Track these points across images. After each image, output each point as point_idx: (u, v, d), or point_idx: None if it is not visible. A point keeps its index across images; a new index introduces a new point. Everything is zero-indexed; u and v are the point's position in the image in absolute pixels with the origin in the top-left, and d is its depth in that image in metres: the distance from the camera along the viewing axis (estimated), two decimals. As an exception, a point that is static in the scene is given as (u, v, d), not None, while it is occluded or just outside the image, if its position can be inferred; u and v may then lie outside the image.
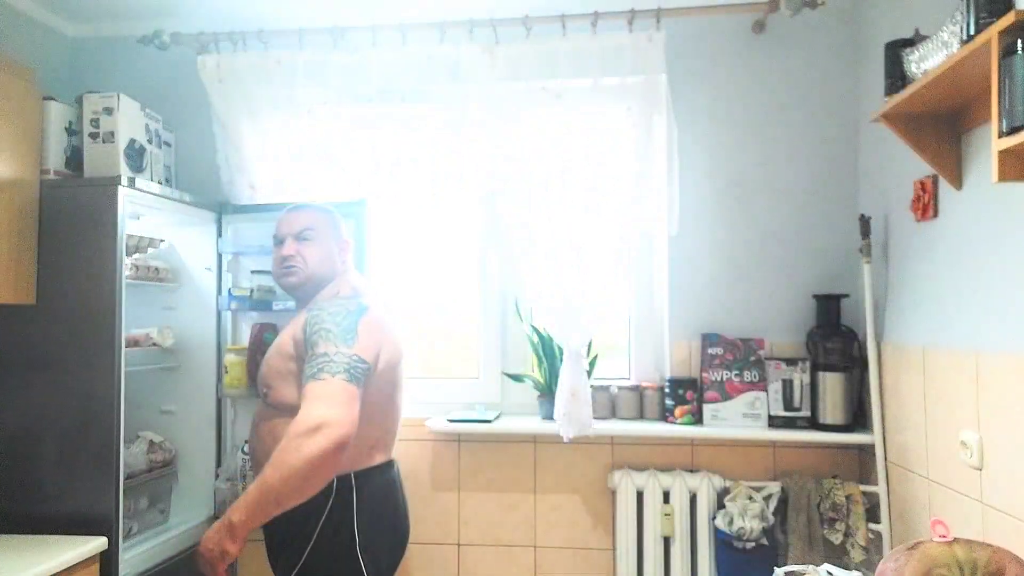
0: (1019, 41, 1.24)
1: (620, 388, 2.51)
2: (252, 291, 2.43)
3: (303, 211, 1.97)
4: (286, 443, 1.55)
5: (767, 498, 2.29)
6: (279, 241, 1.94)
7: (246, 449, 2.28)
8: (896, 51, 1.77)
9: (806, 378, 2.33)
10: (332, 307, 1.73)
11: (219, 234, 2.50)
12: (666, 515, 2.34)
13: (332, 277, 1.92)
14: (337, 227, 1.98)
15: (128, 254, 2.20)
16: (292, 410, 1.64)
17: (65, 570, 1.79)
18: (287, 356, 1.75)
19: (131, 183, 2.10)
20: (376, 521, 1.76)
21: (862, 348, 2.28)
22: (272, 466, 1.55)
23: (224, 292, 2.47)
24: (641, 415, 2.48)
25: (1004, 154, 1.31)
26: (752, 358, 2.38)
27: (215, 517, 2.37)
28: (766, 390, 2.36)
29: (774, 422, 2.35)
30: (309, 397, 1.58)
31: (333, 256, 1.94)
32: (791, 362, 2.35)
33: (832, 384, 2.29)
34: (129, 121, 2.23)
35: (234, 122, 2.51)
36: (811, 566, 1.60)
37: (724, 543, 2.25)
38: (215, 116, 2.53)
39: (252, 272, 2.50)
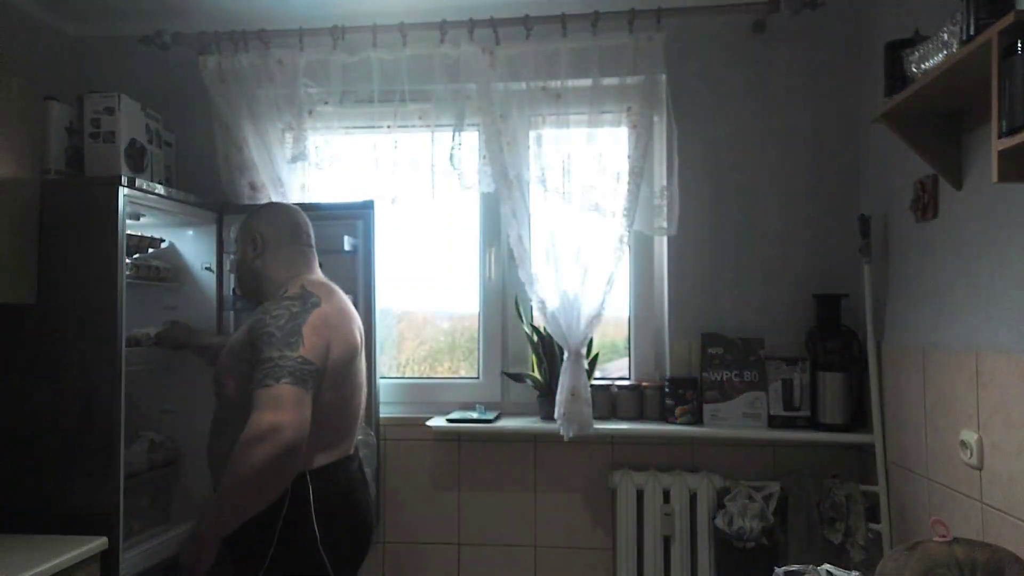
0: (1019, 41, 1.24)
1: (620, 388, 2.51)
2: None
3: (241, 222, 1.97)
4: (238, 452, 1.55)
5: (767, 498, 2.29)
6: None
7: None
8: (896, 51, 1.77)
9: (806, 378, 2.34)
10: (275, 310, 1.69)
11: (219, 234, 2.50)
12: (666, 515, 2.34)
13: (254, 280, 1.89)
14: (247, 228, 1.92)
15: (128, 254, 2.20)
16: (236, 408, 1.66)
17: (66, 570, 1.79)
18: (233, 355, 1.75)
19: (131, 183, 2.09)
20: (335, 517, 1.74)
21: (862, 348, 2.28)
22: (229, 475, 1.56)
23: (229, 293, 2.46)
24: (641, 415, 2.48)
25: (1004, 154, 1.31)
26: (752, 358, 2.38)
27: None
28: (766, 390, 2.36)
29: (774, 422, 2.35)
30: (257, 405, 1.56)
31: (246, 260, 1.90)
32: (791, 362, 2.35)
33: (832, 384, 2.29)
34: (130, 121, 2.23)
35: (235, 122, 2.51)
36: (811, 566, 1.61)
37: (724, 543, 2.25)
38: (216, 116, 2.53)
39: None
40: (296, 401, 1.57)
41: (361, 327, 1.89)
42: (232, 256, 1.93)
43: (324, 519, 1.71)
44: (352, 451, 1.87)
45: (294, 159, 2.50)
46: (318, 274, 1.91)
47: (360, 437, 1.97)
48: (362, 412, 1.93)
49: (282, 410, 1.55)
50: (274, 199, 2.48)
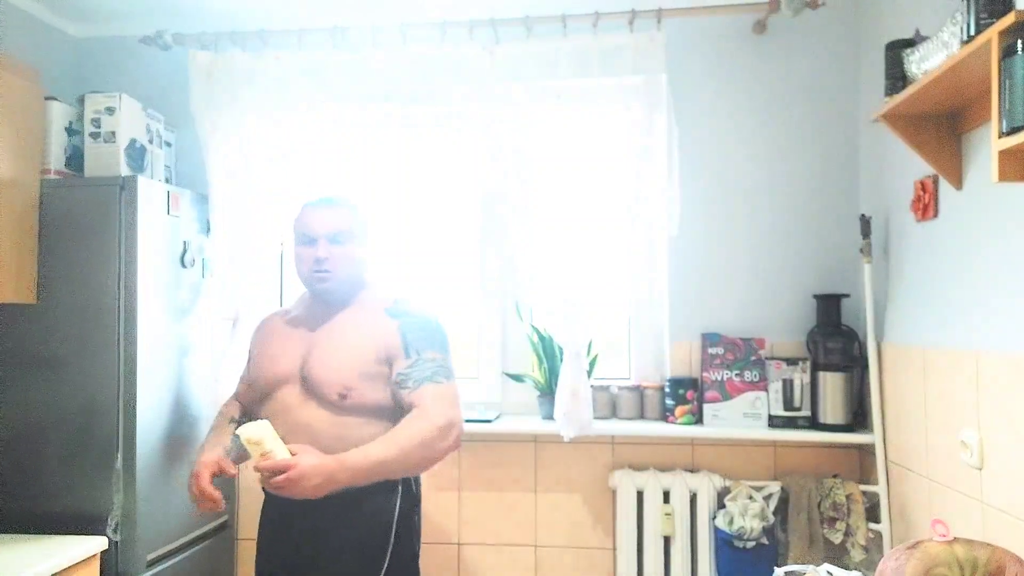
0: (1019, 41, 1.24)
1: (620, 388, 2.51)
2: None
3: (338, 209, 1.83)
4: (418, 435, 1.63)
5: (767, 498, 2.29)
6: (310, 240, 1.79)
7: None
8: (896, 51, 1.77)
9: (806, 378, 2.33)
10: (416, 316, 1.81)
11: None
12: (666, 515, 2.34)
13: (361, 279, 1.88)
14: (366, 226, 1.91)
15: (129, 254, 2.20)
16: (374, 412, 1.72)
17: (65, 569, 1.79)
18: (372, 359, 1.74)
19: (131, 183, 2.09)
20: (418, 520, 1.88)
21: (862, 348, 2.28)
22: (397, 448, 1.62)
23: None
24: (641, 415, 2.48)
25: (1004, 154, 1.31)
26: (752, 358, 2.38)
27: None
28: (766, 390, 2.36)
29: (774, 422, 2.35)
30: (435, 397, 1.68)
31: (366, 260, 1.90)
32: (791, 362, 2.35)
33: (832, 384, 2.29)
34: (130, 121, 2.23)
35: (223, 121, 2.46)
36: (811, 566, 1.61)
37: (724, 543, 2.25)
38: (198, 112, 2.46)
39: None
40: (459, 401, 1.74)
41: None
42: (342, 246, 1.80)
43: (418, 521, 1.85)
44: None
45: (288, 160, 2.49)
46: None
47: None
48: None
49: (456, 408, 1.71)
50: (270, 200, 2.46)
